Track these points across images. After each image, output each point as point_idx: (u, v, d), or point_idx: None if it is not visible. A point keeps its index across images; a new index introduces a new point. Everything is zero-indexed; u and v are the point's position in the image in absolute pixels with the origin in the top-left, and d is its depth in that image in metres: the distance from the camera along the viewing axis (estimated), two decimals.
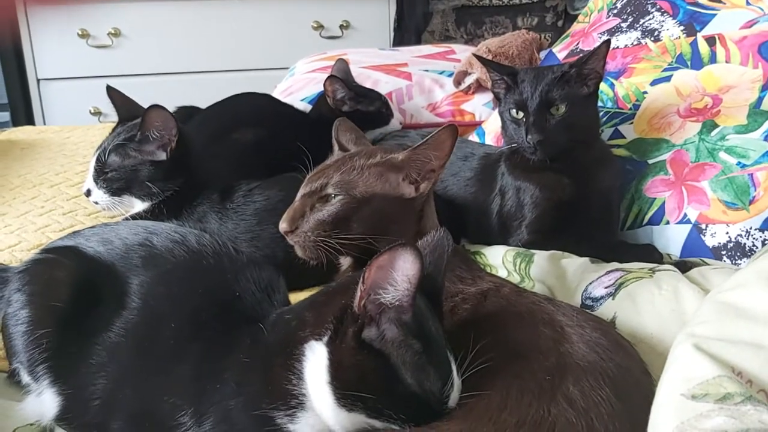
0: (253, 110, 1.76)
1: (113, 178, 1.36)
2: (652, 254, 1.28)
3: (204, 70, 3.26)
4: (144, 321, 0.92)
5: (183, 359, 0.86)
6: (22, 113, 3.22)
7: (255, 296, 0.94)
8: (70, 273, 0.96)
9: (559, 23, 3.59)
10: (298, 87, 2.12)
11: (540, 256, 1.32)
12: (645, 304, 1.05)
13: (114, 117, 1.46)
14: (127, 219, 1.38)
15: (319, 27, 3.26)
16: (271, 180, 1.41)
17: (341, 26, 3.29)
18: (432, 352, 0.77)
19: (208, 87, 2.95)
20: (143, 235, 1.01)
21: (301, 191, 1.04)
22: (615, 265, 1.23)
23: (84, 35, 3.14)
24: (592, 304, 1.12)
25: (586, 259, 1.29)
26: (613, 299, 1.10)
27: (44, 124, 3.14)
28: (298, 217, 1.02)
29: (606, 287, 1.13)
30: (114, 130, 1.43)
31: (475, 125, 2.00)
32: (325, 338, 0.78)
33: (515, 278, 1.33)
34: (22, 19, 3.08)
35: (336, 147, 1.16)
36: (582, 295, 1.15)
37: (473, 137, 1.90)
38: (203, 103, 1.87)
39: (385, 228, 1.03)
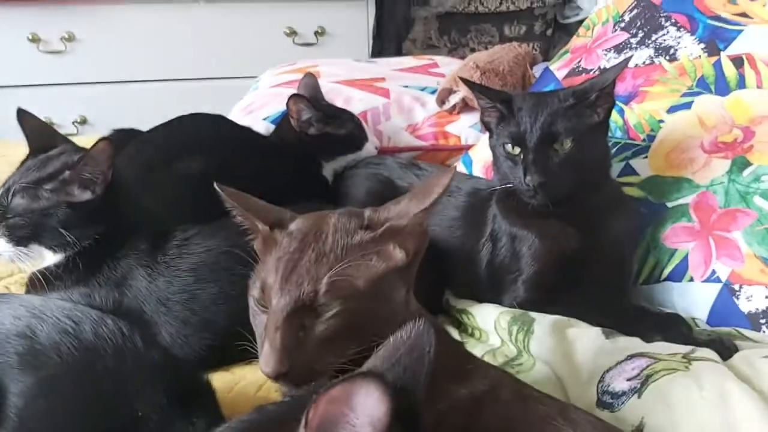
0: (201, 134, 1.50)
1: (17, 224, 1.10)
2: (678, 328, 1.04)
3: (166, 79, 3.00)
4: None
5: None
6: None
7: (164, 415, 0.68)
8: None
9: (548, 32, 3.41)
10: (260, 104, 1.87)
11: (541, 325, 1.08)
12: (683, 409, 0.81)
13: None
14: (35, 275, 1.12)
15: (292, 33, 3.04)
16: (214, 225, 1.15)
17: (316, 33, 3.06)
18: None
19: (171, 97, 2.81)
20: (25, 320, 0.77)
21: (278, 308, 0.74)
22: (637, 344, 1.00)
23: (35, 40, 2.88)
24: (611, 401, 0.88)
25: (598, 329, 1.06)
26: (639, 397, 0.86)
27: None
28: (293, 349, 0.72)
29: (629, 379, 0.89)
30: (23, 164, 1.17)
31: (461, 150, 1.76)
32: None
33: (511, 350, 1.10)
34: None
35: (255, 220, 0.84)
36: (598, 387, 0.92)
37: (459, 166, 1.66)
38: (167, 116, 1.61)
39: (390, 315, 0.77)
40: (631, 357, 0.93)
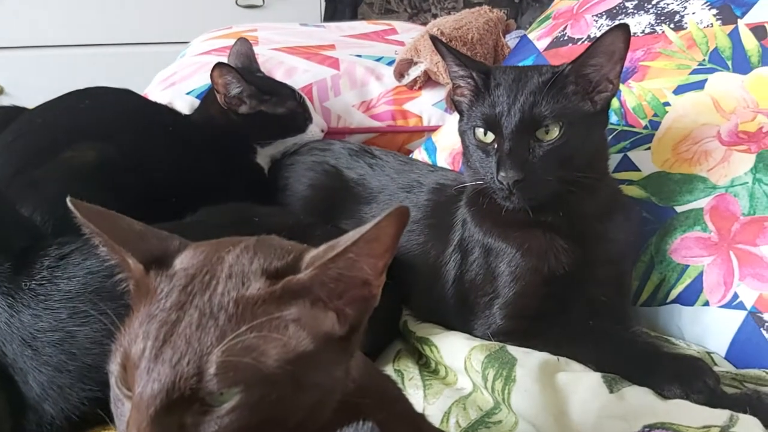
0: (99, 114, 1.21)
1: None
2: (702, 379, 0.80)
3: (95, 43, 2.77)
4: None
5: None
6: None
7: None
8: None
9: None
10: (183, 75, 1.57)
11: (525, 368, 0.85)
12: None
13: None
14: None
15: None
16: None
17: None
18: None
19: (98, 63, 2.63)
20: None
21: (145, 398, 0.48)
22: (651, 403, 0.78)
23: None
24: None
25: (597, 376, 0.84)
26: None
27: None
28: None
29: None
30: None
31: (423, 132, 1.50)
32: None
33: (486, 399, 0.86)
34: None
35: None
36: None
37: (420, 154, 1.40)
38: (92, 84, 1.32)
39: (319, 403, 0.52)
40: (648, 429, 0.70)
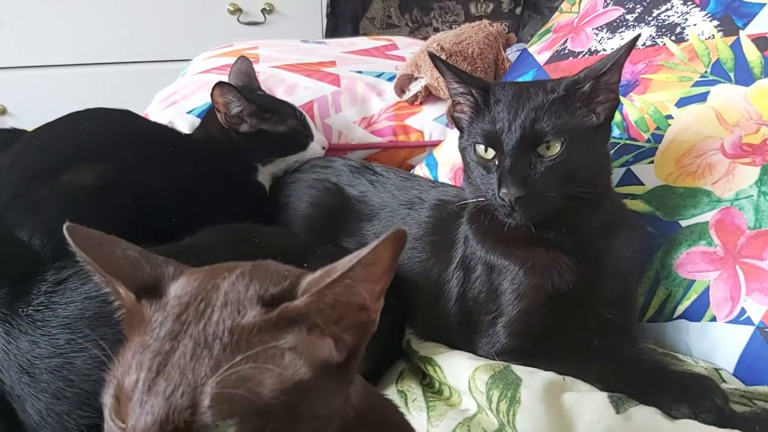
0: (100, 136, 1.20)
1: None
2: (710, 398, 0.79)
3: (98, 62, 2.73)
4: None
5: None
6: None
7: None
8: None
9: (517, 10, 3.27)
10: (184, 94, 1.57)
11: (530, 389, 0.84)
12: None
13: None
14: None
15: (237, 11, 2.78)
16: None
17: (264, 10, 2.80)
18: None
19: (99, 82, 2.61)
20: None
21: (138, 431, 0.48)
22: (659, 424, 0.76)
23: None
24: None
25: (604, 396, 0.82)
26: None
27: None
28: None
29: None
30: None
31: (424, 148, 1.50)
32: None
33: (491, 421, 0.85)
34: None
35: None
36: None
37: (422, 169, 1.39)
38: (94, 104, 1.31)
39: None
40: None
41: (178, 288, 0.55)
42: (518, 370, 0.88)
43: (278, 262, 0.58)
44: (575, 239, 0.94)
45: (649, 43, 1.19)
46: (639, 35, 0.90)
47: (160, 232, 1.00)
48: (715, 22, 1.14)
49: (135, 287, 0.55)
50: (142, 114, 1.48)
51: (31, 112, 2.04)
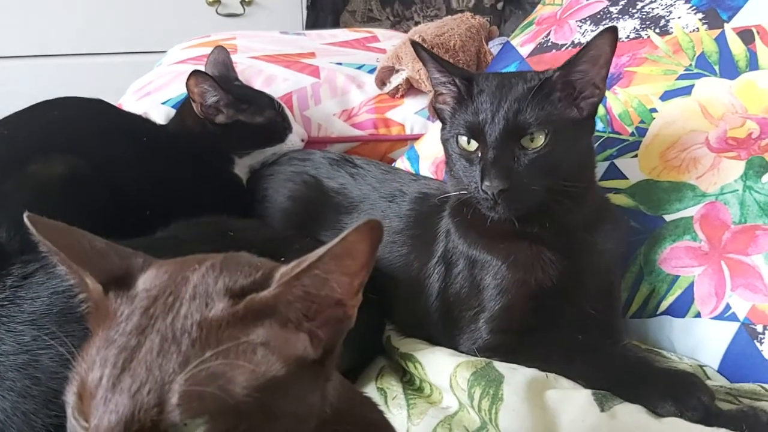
0: (71, 125, 1.16)
1: None
2: (696, 395, 0.77)
3: (69, 53, 2.68)
4: None
5: None
6: None
7: None
8: None
9: (499, 5, 3.24)
10: (159, 84, 1.53)
11: (512, 386, 0.82)
12: None
13: None
14: None
15: (216, 2, 2.74)
16: None
17: (243, 2, 2.78)
18: None
19: (73, 73, 2.55)
20: None
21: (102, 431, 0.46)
22: (645, 422, 0.74)
23: None
24: None
25: (588, 393, 0.81)
26: None
27: None
28: None
29: None
30: None
31: (405, 141, 1.47)
32: None
33: (472, 419, 0.83)
34: None
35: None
36: None
37: (403, 163, 1.37)
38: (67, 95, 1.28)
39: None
40: None
41: (147, 280, 0.52)
42: (500, 366, 0.86)
43: (252, 255, 0.55)
44: (558, 234, 0.92)
45: (633, 35, 1.18)
46: (614, 27, 0.88)
47: (134, 225, 0.97)
48: (700, 15, 1.13)
49: (102, 278, 0.52)
50: (116, 104, 1.44)
51: (2, 102, 1.99)
